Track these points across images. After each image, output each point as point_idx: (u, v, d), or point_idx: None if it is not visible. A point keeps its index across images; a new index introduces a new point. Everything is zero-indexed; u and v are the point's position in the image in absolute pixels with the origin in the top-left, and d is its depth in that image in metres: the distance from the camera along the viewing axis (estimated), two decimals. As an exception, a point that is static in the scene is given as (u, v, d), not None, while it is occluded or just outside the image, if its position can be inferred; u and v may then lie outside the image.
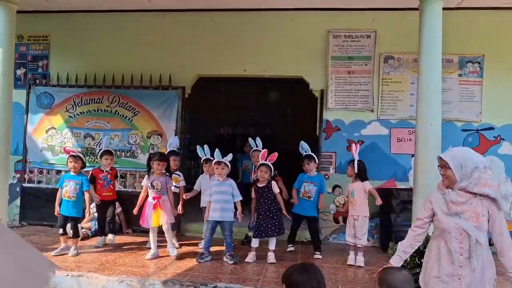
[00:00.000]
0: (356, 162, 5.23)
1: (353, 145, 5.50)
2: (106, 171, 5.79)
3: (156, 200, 5.13)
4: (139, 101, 6.68)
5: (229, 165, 5.19)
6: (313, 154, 5.64)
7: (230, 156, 5.22)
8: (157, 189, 5.17)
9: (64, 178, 5.36)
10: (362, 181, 5.23)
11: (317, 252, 5.53)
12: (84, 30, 6.98)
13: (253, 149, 5.94)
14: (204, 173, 5.84)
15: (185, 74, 6.72)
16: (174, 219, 5.34)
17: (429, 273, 2.80)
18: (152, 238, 5.22)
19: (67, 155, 5.37)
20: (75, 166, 5.26)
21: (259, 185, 5.22)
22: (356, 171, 5.22)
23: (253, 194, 5.31)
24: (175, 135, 6.55)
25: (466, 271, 2.65)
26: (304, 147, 5.62)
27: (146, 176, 5.40)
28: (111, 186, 5.80)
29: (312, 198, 5.50)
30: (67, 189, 5.21)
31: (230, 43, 6.68)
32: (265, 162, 5.19)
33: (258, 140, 5.93)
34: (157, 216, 5.13)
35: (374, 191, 5.23)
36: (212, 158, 5.42)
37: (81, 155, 5.50)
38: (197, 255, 5.21)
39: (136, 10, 6.75)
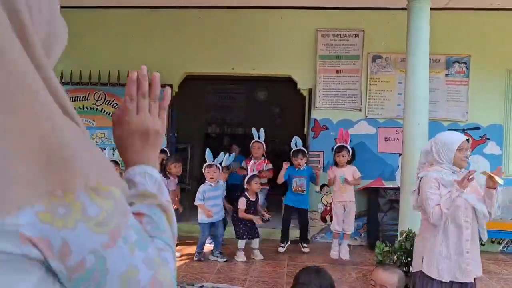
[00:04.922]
0: (349, 148, 5.30)
1: (343, 131, 5.50)
2: None
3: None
4: (126, 98, 6.59)
5: (220, 167, 5.12)
6: (304, 149, 5.68)
7: (221, 156, 5.15)
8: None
9: None
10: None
11: (305, 245, 5.60)
12: (70, 26, 6.65)
13: (254, 140, 5.93)
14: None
15: (172, 72, 6.64)
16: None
17: (437, 256, 2.86)
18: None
19: None
20: None
21: (251, 199, 5.23)
22: (349, 157, 5.27)
23: (243, 205, 5.20)
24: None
25: (472, 245, 2.86)
26: (298, 143, 5.65)
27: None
28: None
29: (304, 192, 5.59)
30: None
31: (218, 41, 6.63)
32: (254, 174, 5.25)
33: (261, 131, 5.90)
34: None
35: (359, 179, 5.35)
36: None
37: None
38: (185, 255, 5.22)
39: (123, 7, 6.65)
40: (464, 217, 2.84)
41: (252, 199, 5.22)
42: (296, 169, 5.59)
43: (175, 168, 5.16)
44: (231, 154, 5.49)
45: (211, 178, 5.06)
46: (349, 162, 5.33)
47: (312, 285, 2.08)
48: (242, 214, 5.14)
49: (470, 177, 2.73)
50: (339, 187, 5.27)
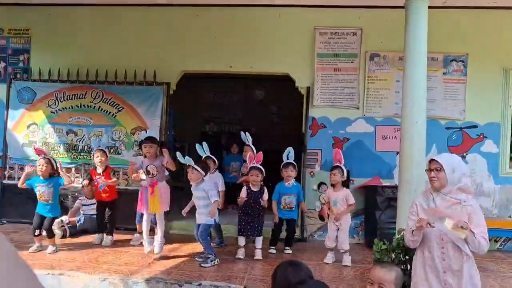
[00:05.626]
0: (344, 168, 5.20)
1: (337, 150, 5.46)
2: (99, 173, 5.63)
3: (152, 187, 4.99)
4: (123, 97, 6.57)
5: (199, 169, 4.84)
6: (294, 163, 5.54)
7: (190, 159, 4.88)
8: (152, 174, 5.03)
9: (35, 182, 5.11)
10: (346, 187, 5.25)
11: (287, 248, 5.59)
12: (67, 24, 6.84)
13: (246, 143, 5.93)
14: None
15: (170, 70, 6.64)
16: (168, 208, 5.19)
17: (417, 279, 2.86)
18: (145, 227, 5.07)
19: (39, 157, 5.11)
20: (42, 170, 5.00)
21: (253, 189, 5.22)
22: (345, 177, 5.21)
23: (243, 194, 5.22)
24: (160, 131, 6.46)
25: (451, 278, 2.73)
26: (290, 155, 5.51)
27: (141, 159, 5.31)
28: (106, 187, 5.63)
29: (293, 208, 5.54)
30: (41, 194, 5.06)
31: (216, 39, 6.62)
32: (256, 165, 5.19)
33: (247, 135, 5.85)
34: (153, 203, 5.00)
35: (353, 206, 5.22)
36: (211, 156, 5.62)
37: (52, 159, 5.24)
38: (183, 253, 5.20)
39: (120, 4, 6.63)
40: (439, 248, 2.77)
41: (254, 189, 5.21)
42: (286, 184, 5.48)
43: (145, 149, 5.17)
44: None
45: (190, 178, 4.91)
46: (345, 185, 5.24)
47: (289, 280, 2.06)
48: (240, 200, 5.23)
49: (423, 226, 2.70)
50: (332, 209, 5.17)
